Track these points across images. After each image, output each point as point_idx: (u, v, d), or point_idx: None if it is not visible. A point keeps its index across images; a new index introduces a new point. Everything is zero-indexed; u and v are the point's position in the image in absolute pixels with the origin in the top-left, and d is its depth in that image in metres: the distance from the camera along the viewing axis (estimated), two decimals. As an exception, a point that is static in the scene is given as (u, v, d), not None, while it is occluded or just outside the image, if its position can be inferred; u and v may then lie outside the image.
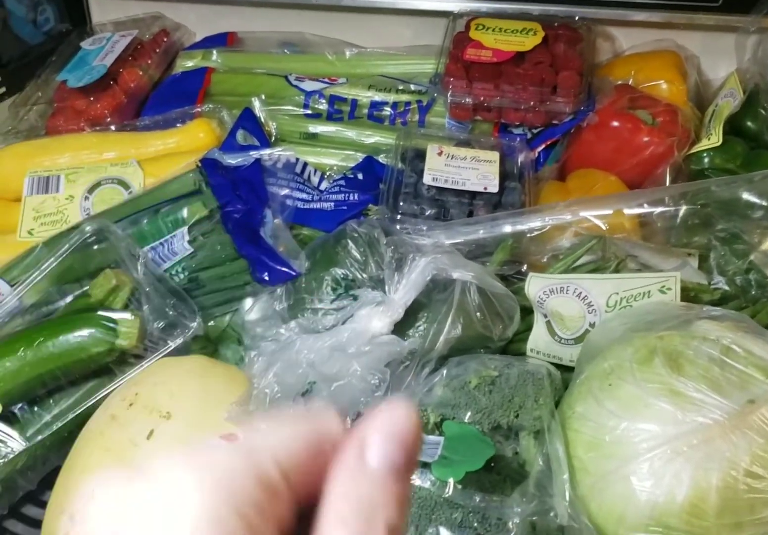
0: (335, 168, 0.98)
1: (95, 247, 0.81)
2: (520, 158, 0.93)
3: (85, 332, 0.72)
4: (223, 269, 0.82)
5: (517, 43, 0.97)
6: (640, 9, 1.03)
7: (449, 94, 0.93)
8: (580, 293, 0.75)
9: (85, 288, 0.81)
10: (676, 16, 1.04)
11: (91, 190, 0.91)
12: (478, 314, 0.73)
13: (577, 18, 1.01)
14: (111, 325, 0.72)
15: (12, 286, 0.84)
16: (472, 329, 0.73)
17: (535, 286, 0.77)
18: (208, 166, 0.85)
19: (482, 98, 0.93)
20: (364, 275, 0.76)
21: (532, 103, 0.92)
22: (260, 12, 1.15)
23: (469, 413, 0.65)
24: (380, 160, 0.96)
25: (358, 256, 0.77)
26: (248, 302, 0.82)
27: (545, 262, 0.81)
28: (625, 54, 1.08)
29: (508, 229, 0.80)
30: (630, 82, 1.00)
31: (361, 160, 0.96)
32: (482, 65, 0.95)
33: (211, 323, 0.82)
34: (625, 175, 0.92)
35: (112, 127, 0.99)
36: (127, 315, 0.72)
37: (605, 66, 1.05)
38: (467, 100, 0.93)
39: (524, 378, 0.67)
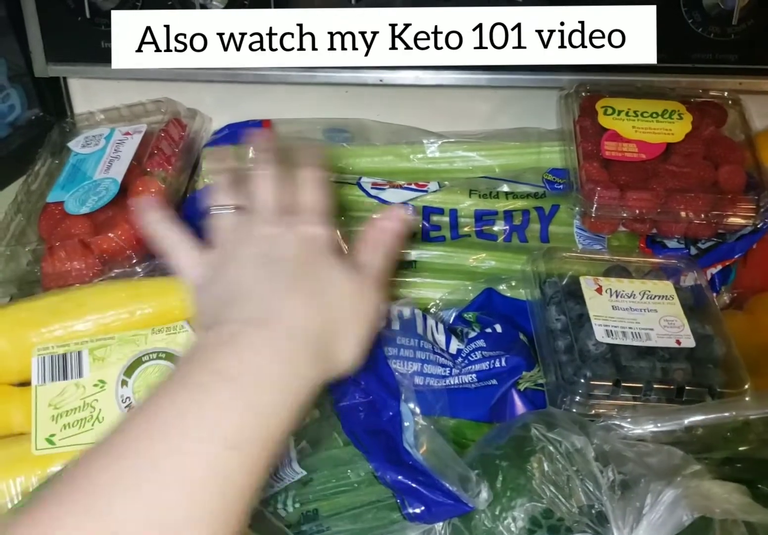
0: (440, 304, 0.74)
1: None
2: (689, 283, 0.72)
3: None
4: (352, 497, 0.58)
5: (664, 132, 0.76)
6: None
7: (594, 207, 0.71)
8: None
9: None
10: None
11: (129, 370, 0.65)
12: (749, 560, 0.51)
13: (726, 93, 0.80)
14: None
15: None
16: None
17: (805, 501, 0.56)
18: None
19: (638, 211, 0.71)
20: (572, 508, 0.53)
21: (703, 215, 0.71)
22: (295, 90, 0.90)
23: None
24: (502, 293, 0.74)
25: (560, 480, 0.54)
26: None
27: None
28: (763, 130, 0.87)
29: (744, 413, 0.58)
30: (794, 171, 0.79)
31: (478, 294, 0.73)
32: (625, 164, 0.74)
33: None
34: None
35: (138, 269, 0.73)
36: None
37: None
38: (621, 213, 0.71)
39: None
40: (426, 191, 0.78)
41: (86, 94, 0.92)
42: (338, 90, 0.90)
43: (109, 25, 0.80)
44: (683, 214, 0.71)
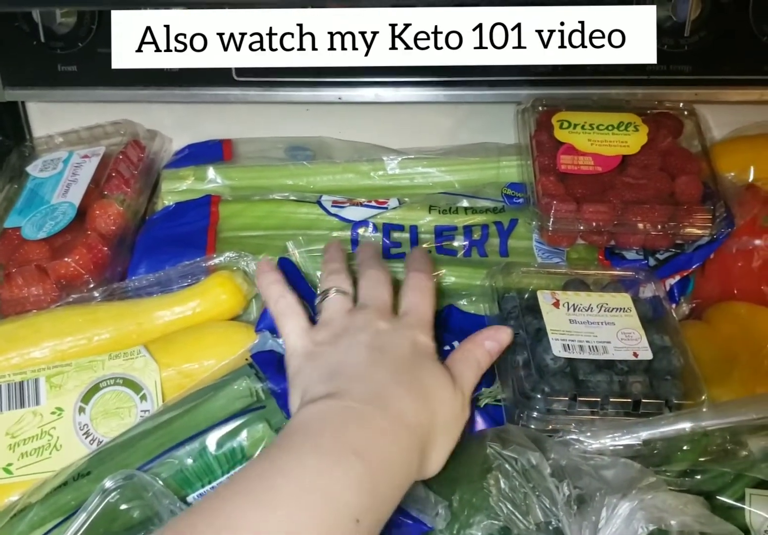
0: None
1: (122, 506, 0.56)
2: (648, 295, 0.72)
3: None
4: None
5: (619, 144, 0.76)
6: (737, 86, 0.83)
7: (551, 220, 0.72)
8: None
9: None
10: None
11: (86, 397, 0.65)
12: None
13: (681, 104, 0.80)
14: None
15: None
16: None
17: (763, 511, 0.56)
18: (265, 363, 0.61)
19: (595, 224, 0.72)
20: (530, 525, 0.53)
21: (660, 226, 0.71)
22: (255, 109, 0.90)
23: None
24: (463, 309, 0.74)
25: (516, 497, 0.54)
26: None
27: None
28: (720, 139, 0.88)
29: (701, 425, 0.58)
30: (750, 180, 0.80)
31: (439, 310, 0.73)
32: (582, 177, 0.74)
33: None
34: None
35: (96, 294, 0.72)
36: None
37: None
38: (577, 226, 0.72)
39: None
40: (386, 208, 0.78)
41: (45, 117, 0.92)
42: (299, 108, 0.91)
43: (63, 48, 0.80)
44: (640, 225, 0.72)
